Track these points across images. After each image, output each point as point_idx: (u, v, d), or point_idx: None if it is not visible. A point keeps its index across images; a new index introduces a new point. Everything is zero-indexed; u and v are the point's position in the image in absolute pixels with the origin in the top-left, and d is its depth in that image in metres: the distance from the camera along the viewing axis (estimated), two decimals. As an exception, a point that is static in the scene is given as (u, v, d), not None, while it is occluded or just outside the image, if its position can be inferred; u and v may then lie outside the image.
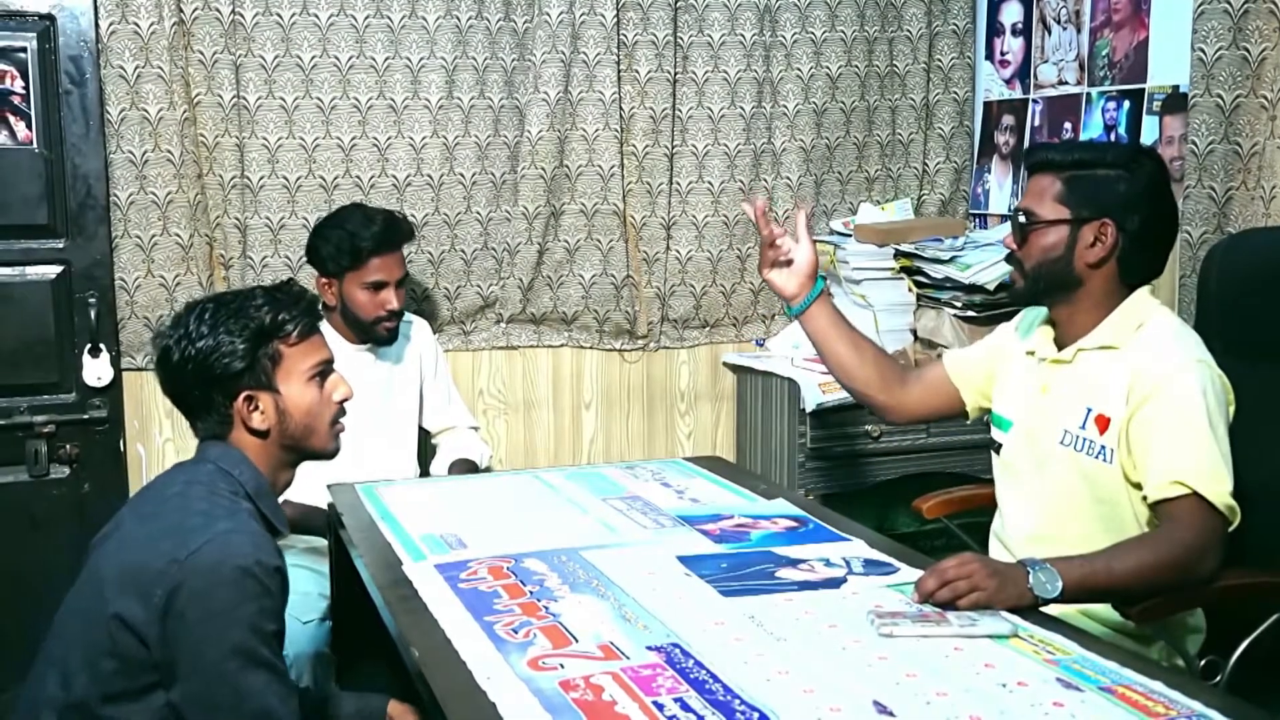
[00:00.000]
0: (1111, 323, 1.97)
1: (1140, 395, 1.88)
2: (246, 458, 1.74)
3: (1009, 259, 2.06)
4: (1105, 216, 1.93)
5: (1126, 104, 3.13)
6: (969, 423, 2.31)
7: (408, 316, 3.00)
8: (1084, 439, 1.96)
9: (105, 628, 1.58)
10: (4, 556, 2.99)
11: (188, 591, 1.54)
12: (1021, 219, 1.99)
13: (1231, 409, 1.92)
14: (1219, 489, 1.82)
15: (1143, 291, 2.00)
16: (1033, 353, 2.09)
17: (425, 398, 3.03)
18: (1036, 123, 3.47)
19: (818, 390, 3.15)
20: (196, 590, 1.54)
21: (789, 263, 2.21)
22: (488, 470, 3.06)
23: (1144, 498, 1.88)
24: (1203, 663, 1.89)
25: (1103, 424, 1.93)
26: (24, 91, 2.91)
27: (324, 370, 1.80)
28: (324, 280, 2.84)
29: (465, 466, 2.95)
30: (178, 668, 1.56)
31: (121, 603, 1.57)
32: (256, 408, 1.73)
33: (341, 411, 1.83)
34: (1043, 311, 2.11)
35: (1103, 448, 1.93)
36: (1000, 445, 2.13)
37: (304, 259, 3.13)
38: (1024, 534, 2.06)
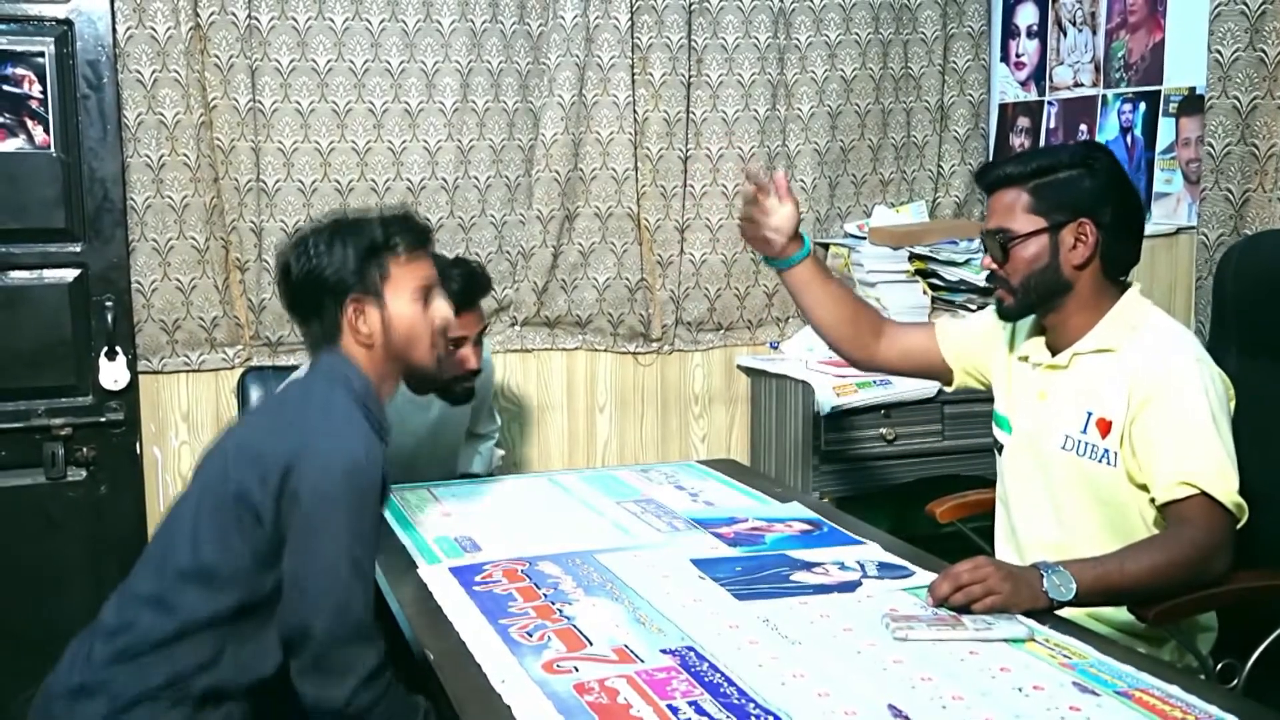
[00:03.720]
0: (1106, 325, 1.97)
1: (1141, 397, 1.88)
2: (355, 364, 1.83)
3: (991, 279, 2.05)
4: (1081, 216, 1.93)
5: (1142, 106, 3.11)
6: (950, 391, 2.32)
7: None
8: (1086, 443, 1.95)
9: (230, 503, 1.68)
10: (21, 558, 3.01)
11: (299, 476, 1.64)
12: (1000, 237, 1.98)
13: (1232, 405, 1.92)
14: (1227, 487, 1.82)
15: (1134, 292, 2.00)
16: (1026, 358, 2.08)
17: (470, 424, 2.94)
18: (1052, 125, 3.46)
19: (832, 393, 3.14)
20: (308, 477, 1.64)
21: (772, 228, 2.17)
22: (501, 473, 3.06)
23: (1151, 500, 1.88)
24: (1219, 666, 1.88)
25: (1104, 427, 1.92)
26: (42, 96, 2.93)
27: (428, 290, 1.88)
28: None
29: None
30: (286, 545, 1.65)
31: (241, 479, 1.68)
32: (362, 316, 1.82)
33: (441, 332, 1.92)
34: (1029, 319, 2.10)
35: (1105, 451, 1.92)
36: (1003, 446, 2.12)
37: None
38: (1031, 539, 2.05)
